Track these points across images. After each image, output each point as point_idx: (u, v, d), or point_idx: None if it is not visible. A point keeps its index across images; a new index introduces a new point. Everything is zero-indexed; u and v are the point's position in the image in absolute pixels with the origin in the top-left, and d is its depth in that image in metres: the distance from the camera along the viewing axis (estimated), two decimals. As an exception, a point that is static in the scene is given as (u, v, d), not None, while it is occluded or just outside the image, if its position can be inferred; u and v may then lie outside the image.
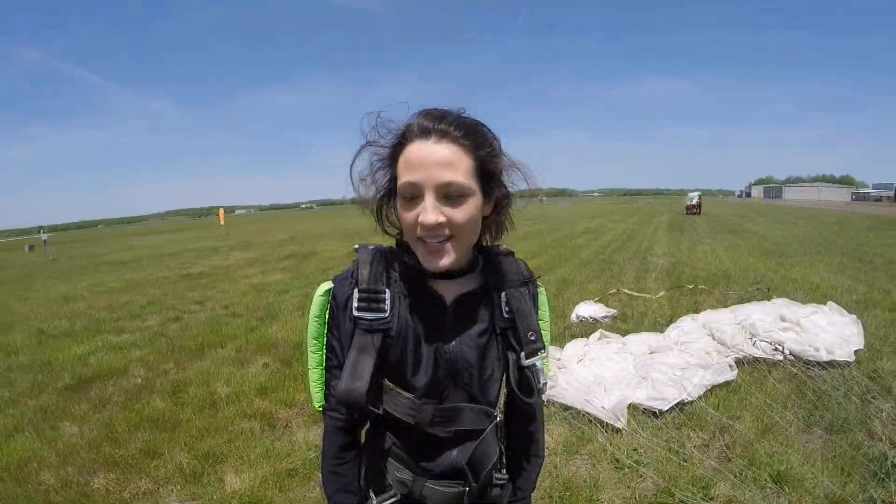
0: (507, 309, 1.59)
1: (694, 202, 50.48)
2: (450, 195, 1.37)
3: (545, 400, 5.36)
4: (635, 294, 10.38)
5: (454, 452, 1.59)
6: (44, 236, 40.02)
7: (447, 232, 1.39)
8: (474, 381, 1.56)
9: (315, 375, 1.66)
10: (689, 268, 13.79)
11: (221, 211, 53.54)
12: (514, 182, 1.57)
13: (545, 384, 1.62)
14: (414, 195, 1.37)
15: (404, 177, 1.38)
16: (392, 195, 1.52)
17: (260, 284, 14.39)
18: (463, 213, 1.39)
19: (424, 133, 1.37)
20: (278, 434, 5.21)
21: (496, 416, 1.63)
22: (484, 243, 1.66)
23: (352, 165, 1.54)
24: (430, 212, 1.34)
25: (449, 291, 1.56)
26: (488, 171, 1.46)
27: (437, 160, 1.35)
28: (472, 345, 1.56)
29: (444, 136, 1.37)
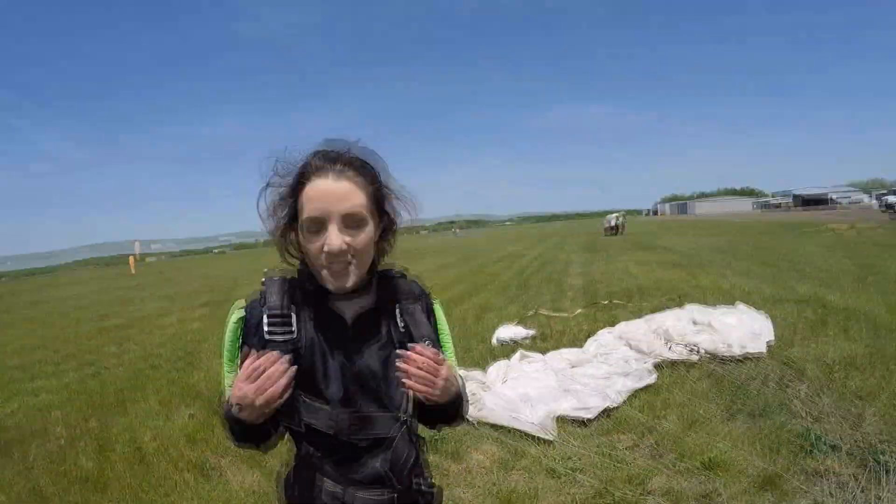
0: (401, 322, 1.73)
1: (612, 223, 48.47)
2: (350, 224, 1.54)
3: (474, 421, 5.40)
4: (553, 314, 10.51)
5: (377, 461, 1.66)
6: None
7: (349, 257, 1.54)
8: (381, 389, 1.66)
9: (229, 380, 1.68)
10: (603, 285, 14.07)
11: (132, 258, 52.56)
12: (397, 210, 1.74)
13: None
14: (318, 226, 1.53)
15: (308, 212, 1.53)
16: (292, 226, 1.64)
17: (177, 333, 13.91)
18: (362, 239, 1.56)
19: (322, 172, 1.55)
20: (213, 483, 5.02)
21: (405, 420, 1.70)
22: (377, 266, 1.76)
23: (257, 204, 1.69)
24: (334, 238, 1.50)
25: (349, 310, 1.69)
26: (377, 202, 1.65)
27: (336, 195, 1.53)
28: (375, 356, 1.67)
29: (340, 175, 1.55)
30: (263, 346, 1.57)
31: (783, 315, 8.32)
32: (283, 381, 1.48)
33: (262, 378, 1.47)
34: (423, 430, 1.82)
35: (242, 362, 1.58)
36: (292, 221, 1.64)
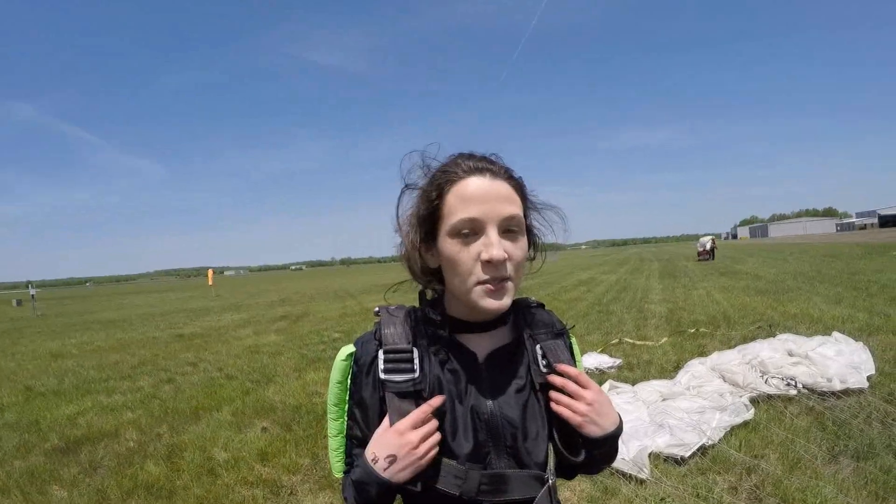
0: (544, 362, 1.45)
1: (707, 247, 44.37)
2: (510, 230, 1.30)
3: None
4: (638, 342, 10.28)
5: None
6: (32, 291, 39.79)
7: (506, 272, 1.29)
8: (519, 442, 1.38)
9: (335, 444, 1.52)
10: (687, 312, 13.74)
11: (211, 271, 53.50)
12: (541, 230, 1.51)
13: None
14: (473, 230, 1.28)
15: (461, 213, 1.28)
16: (427, 241, 1.40)
17: (253, 346, 14.11)
18: (521, 249, 1.33)
19: (478, 171, 1.32)
20: (283, 502, 4.99)
21: (548, 480, 1.41)
22: None
23: (397, 210, 1.47)
24: (496, 246, 1.25)
25: (481, 346, 1.43)
26: (526, 213, 1.41)
27: (498, 195, 1.29)
28: (512, 402, 1.41)
29: (497, 174, 1.32)
30: (376, 391, 1.38)
31: (881, 346, 7.99)
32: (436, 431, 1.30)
33: (430, 424, 1.29)
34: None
35: (350, 413, 1.46)
36: (427, 235, 1.39)
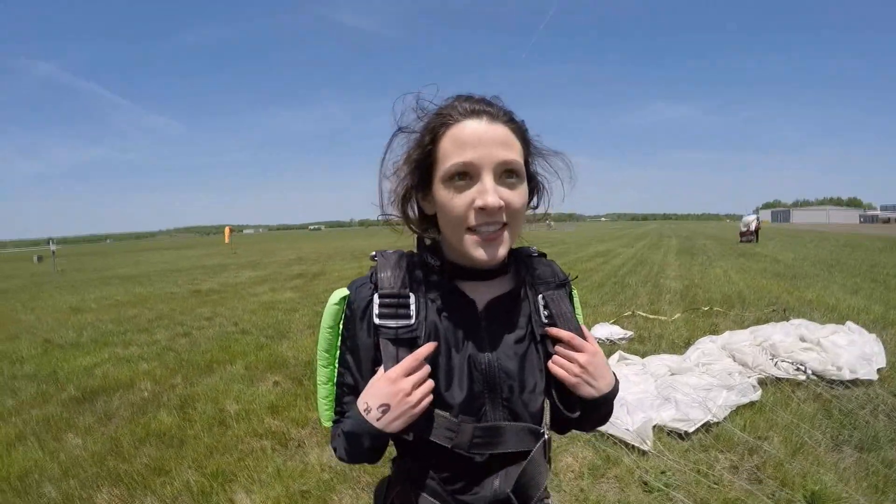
0: (545, 313, 1.46)
1: (752, 227, 38.12)
2: (508, 176, 1.28)
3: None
4: (651, 316, 10.28)
5: (496, 480, 1.39)
6: (53, 247, 40.27)
7: (503, 218, 1.28)
8: (515, 395, 1.39)
9: (324, 391, 1.49)
10: (702, 290, 13.66)
11: (228, 229, 53.71)
12: (547, 178, 1.50)
13: None
14: (468, 175, 1.26)
15: (455, 157, 1.26)
16: (421, 188, 1.39)
17: (269, 302, 14.26)
18: (520, 196, 1.30)
19: (474, 114, 1.29)
20: (290, 454, 5.08)
21: (544, 434, 1.44)
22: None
23: (384, 154, 1.43)
24: (491, 193, 1.23)
25: (480, 294, 1.43)
26: (528, 160, 1.40)
27: (494, 138, 1.26)
28: (510, 353, 1.40)
29: (495, 118, 1.29)
30: (370, 336, 1.36)
31: (894, 340, 7.92)
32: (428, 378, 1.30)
33: (423, 371, 1.28)
34: None
35: (342, 360, 1.45)
36: (421, 181, 1.37)
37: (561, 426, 1.56)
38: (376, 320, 1.34)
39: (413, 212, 1.45)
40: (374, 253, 1.46)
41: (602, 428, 5.02)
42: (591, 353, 1.40)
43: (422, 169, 1.35)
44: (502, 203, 1.25)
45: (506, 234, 1.30)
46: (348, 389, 1.43)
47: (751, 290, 13.54)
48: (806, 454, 4.64)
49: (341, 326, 1.43)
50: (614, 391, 1.45)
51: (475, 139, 1.25)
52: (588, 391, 1.38)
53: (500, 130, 1.28)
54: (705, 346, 7.27)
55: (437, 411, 1.33)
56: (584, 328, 1.48)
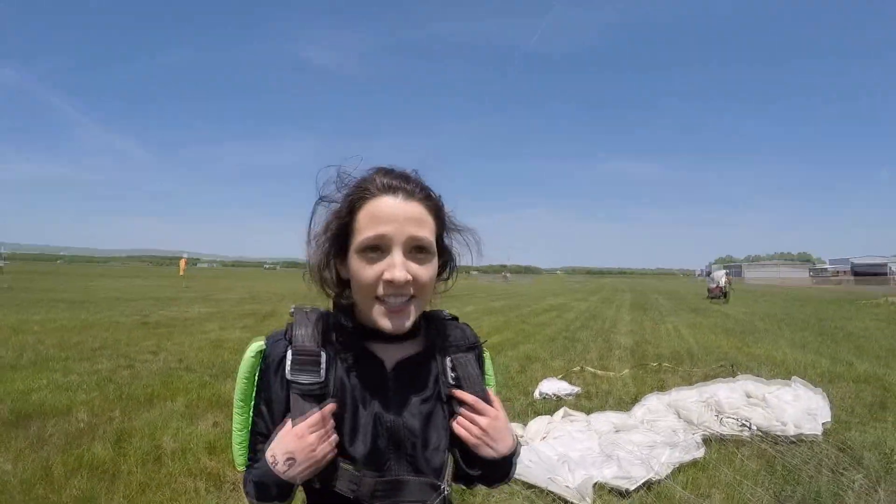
0: (452, 375, 1.52)
1: (721, 283, 36.14)
2: (418, 251, 1.35)
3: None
4: (599, 372, 10.23)
5: None
6: (1, 263, 39.36)
7: (410, 291, 1.34)
8: (418, 451, 1.44)
9: (239, 437, 1.52)
10: (652, 346, 13.74)
11: (183, 261, 53.53)
12: (457, 249, 1.57)
13: None
14: (379, 249, 1.32)
15: (369, 230, 1.32)
16: (339, 255, 1.45)
17: (217, 340, 13.92)
18: (428, 271, 1.37)
19: (391, 190, 1.35)
20: (224, 496, 4.94)
21: (443, 490, 1.47)
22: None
23: (310, 222, 1.49)
24: (399, 268, 1.30)
25: (389, 355, 1.48)
26: (441, 235, 1.47)
27: (407, 215, 1.33)
28: (416, 412, 1.46)
29: (410, 195, 1.36)
30: (282, 390, 1.40)
31: (840, 394, 8.03)
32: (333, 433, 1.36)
33: (328, 427, 1.34)
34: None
35: (256, 409, 1.49)
36: (339, 249, 1.44)
37: (465, 481, 1.59)
38: (288, 375, 1.38)
39: (331, 274, 1.49)
40: (292, 308, 1.53)
41: (542, 484, 5.00)
42: (493, 416, 1.47)
43: (340, 237, 1.42)
44: (409, 277, 1.31)
45: (412, 306, 1.37)
46: (261, 437, 1.46)
47: (700, 346, 13.69)
48: (747, 512, 4.59)
49: (257, 378, 1.47)
50: (513, 453, 1.51)
51: (389, 215, 1.32)
52: (487, 452, 1.45)
53: (414, 208, 1.35)
54: (651, 402, 7.27)
55: (342, 464, 1.38)
56: (491, 392, 1.55)
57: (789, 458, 5.59)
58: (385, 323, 1.35)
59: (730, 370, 9.94)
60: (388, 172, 1.39)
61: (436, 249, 1.40)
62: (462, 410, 1.47)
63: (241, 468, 1.52)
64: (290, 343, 1.42)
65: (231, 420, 1.54)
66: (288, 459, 1.30)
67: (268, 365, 1.45)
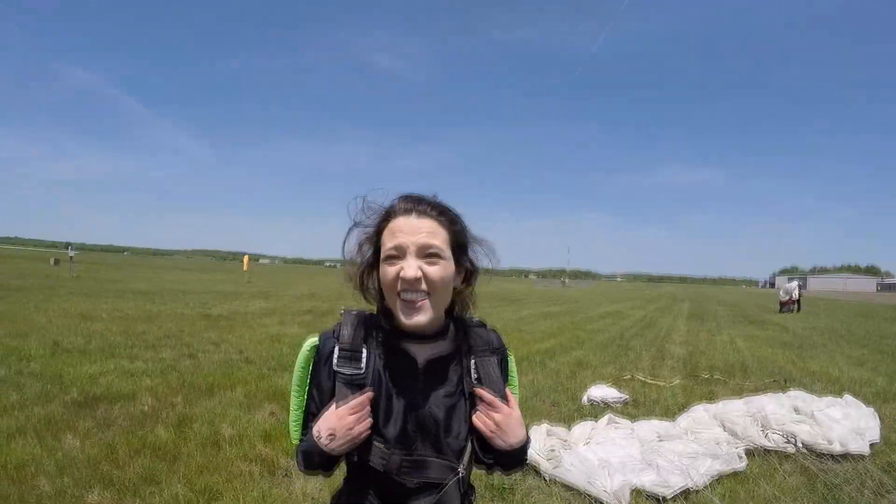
0: (475, 374, 1.75)
1: (795, 295, 34.21)
2: (428, 255, 1.59)
3: (547, 477, 5.29)
4: (649, 381, 10.24)
5: (421, 502, 1.67)
6: (71, 252, 40.50)
7: (424, 287, 1.58)
8: (441, 436, 1.69)
9: (294, 416, 1.81)
10: (706, 357, 13.62)
11: (246, 258, 54.44)
12: (478, 259, 1.81)
13: None
14: (397, 255, 1.59)
15: (390, 242, 1.61)
16: (375, 266, 1.72)
17: (276, 335, 14.28)
18: (438, 271, 1.60)
19: (407, 212, 1.64)
20: (277, 481, 5.16)
21: (459, 472, 1.71)
22: (455, 313, 1.82)
23: (344, 243, 1.80)
24: (410, 267, 1.56)
25: (421, 353, 1.71)
26: (459, 244, 1.72)
27: (419, 228, 1.60)
28: (441, 403, 1.71)
29: (423, 214, 1.64)
30: (331, 378, 1.69)
31: (893, 414, 7.87)
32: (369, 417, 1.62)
33: (364, 411, 1.60)
34: (475, 477, 1.85)
35: (309, 393, 1.78)
36: (374, 263, 1.72)
37: (483, 466, 1.84)
38: (335, 367, 1.68)
39: (372, 284, 1.78)
40: (342, 310, 1.80)
41: (580, 487, 5.10)
42: (506, 414, 1.70)
43: (371, 253, 1.74)
44: (419, 275, 1.57)
45: (427, 302, 1.61)
46: (312, 416, 1.74)
47: (755, 358, 13.51)
48: (783, 527, 4.60)
49: (311, 368, 1.78)
50: (524, 446, 1.75)
51: (404, 229, 1.61)
52: (500, 444, 1.69)
53: (426, 222, 1.63)
54: (697, 413, 7.25)
55: (375, 442, 1.65)
56: (509, 392, 1.80)
57: (832, 477, 5.55)
58: (403, 317, 1.61)
59: (781, 384, 9.84)
60: (406, 198, 1.69)
61: (449, 255, 1.66)
62: (480, 406, 1.70)
63: (295, 441, 1.82)
64: (338, 340, 1.70)
65: (289, 405, 1.84)
66: (330, 434, 1.58)
67: (319, 358, 1.74)
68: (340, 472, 1.81)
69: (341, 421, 1.58)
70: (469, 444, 1.75)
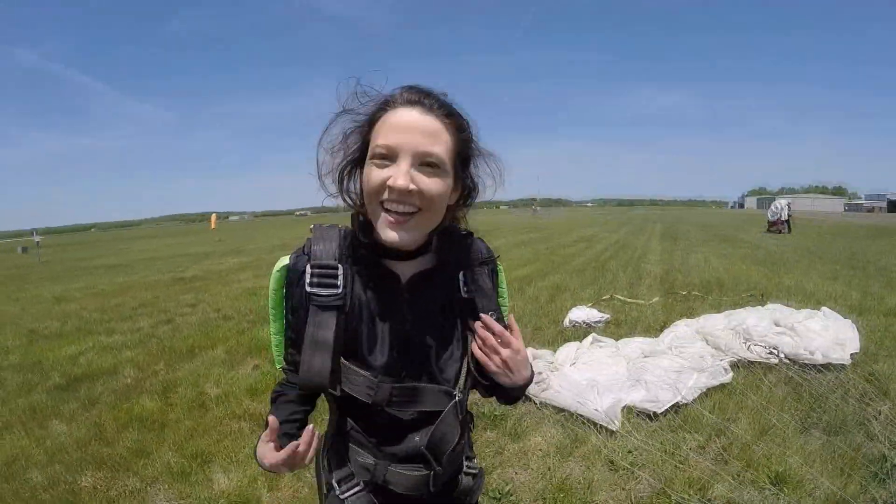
0: (465, 288, 1.59)
1: (784, 216, 32.23)
2: (426, 164, 1.36)
3: (538, 402, 5.32)
4: (629, 300, 10.31)
5: (417, 437, 1.57)
6: (37, 238, 40.04)
7: (415, 201, 1.36)
8: (432, 360, 1.56)
9: (275, 340, 1.68)
10: (682, 275, 13.73)
11: (214, 216, 53.92)
12: (480, 177, 1.57)
13: None
14: (389, 156, 1.35)
15: (382, 139, 1.35)
16: (359, 164, 1.48)
17: (252, 288, 14.21)
18: (436, 185, 1.37)
19: (411, 103, 1.37)
20: None
21: (456, 396, 1.59)
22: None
23: (323, 133, 1.50)
24: (401, 176, 1.32)
25: (404, 269, 1.54)
26: (462, 157, 1.48)
27: (421, 128, 1.34)
28: (430, 324, 1.56)
29: (429, 109, 1.37)
30: (304, 301, 1.49)
31: (870, 326, 7.95)
32: (311, 452, 1.42)
33: (298, 457, 1.41)
34: (472, 403, 1.74)
35: (286, 319, 1.61)
36: (359, 160, 1.47)
37: (483, 389, 1.67)
38: (308, 289, 1.47)
39: (354, 187, 1.52)
40: (312, 226, 1.59)
41: (571, 408, 5.12)
42: (515, 349, 1.52)
43: (357, 145, 1.46)
44: (412, 187, 1.33)
45: (417, 220, 1.39)
46: (290, 342, 1.62)
47: (730, 275, 13.62)
48: (773, 436, 4.67)
49: (284, 290, 1.59)
50: (527, 382, 1.58)
51: (402, 126, 1.34)
52: (505, 381, 1.53)
53: (430, 122, 1.36)
54: (679, 329, 7.30)
55: (361, 371, 1.49)
56: (513, 320, 1.57)
57: (816, 386, 5.64)
58: (387, 234, 1.38)
59: (759, 298, 9.95)
60: (411, 88, 1.41)
61: (450, 168, 1.42)
62: (487, 336, 1.51)
63: (279, 366, 1.71)
64: (310, 258, 1.49)
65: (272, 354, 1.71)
66: (271, 465, 1.43)
67: (291, 279, 1.54)
68: (325, 406, 1.66)
69: (277, 468, 1.44)
70: (465, 366, 1.62)
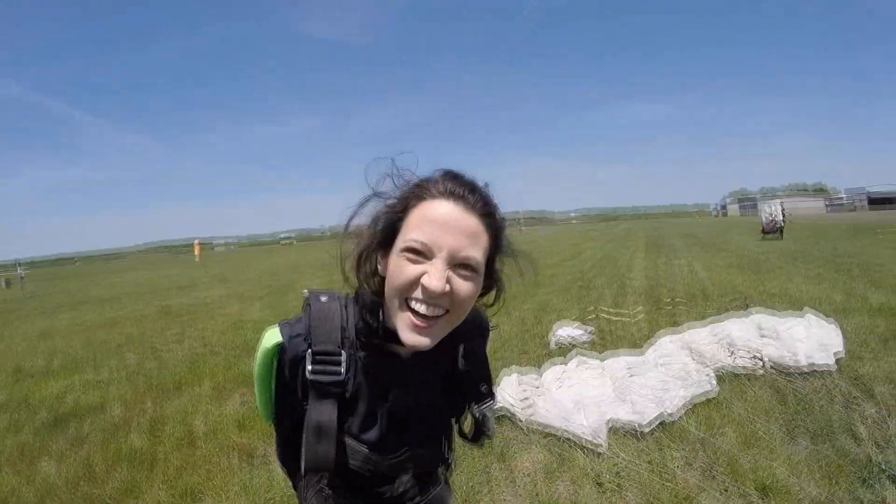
0: (463, 361, 1.57)
1: (780, 221, 29.87)
2: (463, 267, 1.27)
3: (524, 425, 5.30)
4: (613, 316, 10.28)
5: (405, 476, 1.57)
6: (21, 272, 39.78)
7: (445, 305, 1.28)
8: (430, 432, 1.58)
9: (262, 402, 1.55)
10: (666, 287, 13.78)
11: (197, 245, 53.25)
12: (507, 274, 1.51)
13: (493, 431, 1.67)
14: (423, 253, 1.25)
15: (418, 233, 1.25)
16: (383, 250, 1.37)
17: (239, 321, 14.14)
18: (468, 289, 1.29)
19: (453, 196, 1.28)
20: (257, 467, 5.15)
21: (449, 460, 1.68)
22: None
23: (352, 216, 1.42)
24: (437, 277, 1.22)
25: (406, 349, 1.43)
26: (492, 257, 1.40)
27: (462, 227, 1.26)
28: (429, 400, 1.56)
29: (471, 208, 1.28)
30: (302, 384, 1.40)
31: (854, 327, 8.00)
32: None
33: None
34: None
35: (278, 397, 1.51)
36: (384, 245, 1.36)
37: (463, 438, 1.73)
38: (309, 376, 1.37)
39: (371, 267, 1.42)
40: (306, 293, 1.49)
41: (558, 427, 5.14)
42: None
43: (386, 232, 1.35)
44: (447, 289, 1.24)
45: (442, 322, 1.30)
46: (281, 415, 1.54)
47: (714, 284, 13.69)
48: (760, 446, 4.67)
49: (274, 368, 1.46)
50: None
51: (441, 221, 1.25)
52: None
53: (471, 223, 1.27)
54: (664, 343, 7.28)
55: (357, 446, 1.46)
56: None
57: (801, 390, 5.67)
58: (407, 336, 1.29)
59: (742, 306, 9.94)
60: (454, 177, 1.32)
61: (483, 270, 1.33)
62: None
63: (267, 421, 1.60)
64: (310, 344, 1.39)
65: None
66: None
67: (285, 361, 1.43)
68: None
69: None
70: (453, 427, 1.68)
